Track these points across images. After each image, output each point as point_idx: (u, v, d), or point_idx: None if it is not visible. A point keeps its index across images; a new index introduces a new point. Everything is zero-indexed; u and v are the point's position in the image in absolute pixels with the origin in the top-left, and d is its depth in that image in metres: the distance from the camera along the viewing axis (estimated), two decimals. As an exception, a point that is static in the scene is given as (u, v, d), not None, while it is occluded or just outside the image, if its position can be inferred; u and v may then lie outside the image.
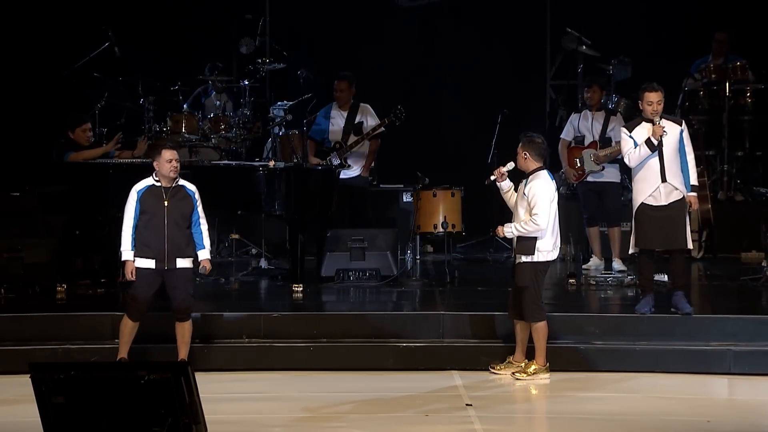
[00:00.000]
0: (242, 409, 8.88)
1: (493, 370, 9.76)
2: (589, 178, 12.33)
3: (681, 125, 10.09)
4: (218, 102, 13.64)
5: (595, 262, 12.54)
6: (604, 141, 12.25)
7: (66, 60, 13.40)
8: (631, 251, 10.28)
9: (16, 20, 14.42)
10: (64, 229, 11.59)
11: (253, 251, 13.84)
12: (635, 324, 10.22)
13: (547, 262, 9.63)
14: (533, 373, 9.57)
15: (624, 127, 10.16)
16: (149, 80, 12.93)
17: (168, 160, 9.44)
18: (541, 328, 9.57)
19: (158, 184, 9.48)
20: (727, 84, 13.77)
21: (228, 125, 12.64)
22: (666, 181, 9.90)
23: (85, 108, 12.40)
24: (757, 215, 12.97)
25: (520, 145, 9.64)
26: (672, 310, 10.08)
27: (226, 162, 12.21)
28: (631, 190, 12.24)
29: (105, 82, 12.77)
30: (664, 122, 9.97)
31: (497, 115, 13.70)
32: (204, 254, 9.61)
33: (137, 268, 9.42)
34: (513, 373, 9.64)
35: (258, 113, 13.10)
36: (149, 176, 9.52)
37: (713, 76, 13.93)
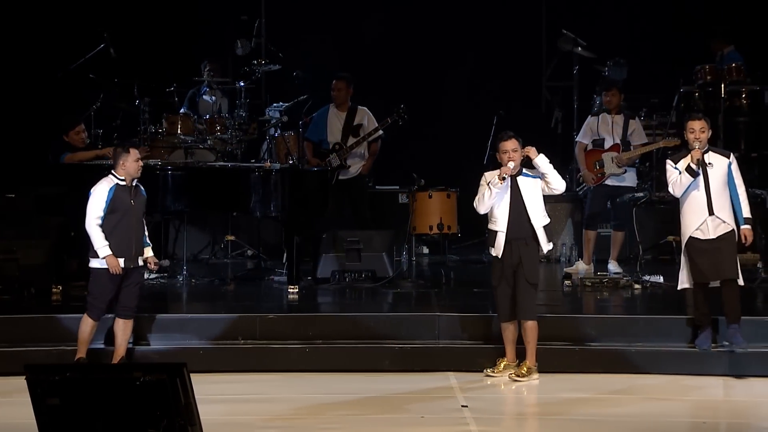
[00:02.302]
0: (238, 410, 8.88)
1: (488, 373, 9.74)
2: (608, 182, 12.27)
3: (729, 158, 9.83)
4: (213, 98, 13.62)
5: (581, 266, 12.42)
6: (625, 144, 12.25)
7: (62, 61, 13.39)
8: (680, 287, 9.92)
9: (11, 22, 14.40)
10: (59, 230, 11.58)
11: (249, 252, 13.84)
12: (631, 325, 10.24)
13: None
14: (529, 374, 9.57)
15: (669, 159, 9.90)
16: (145, 82, 12.91)
17: (136, 159, 9.55)
18: (536, 327, 9.58)
19: (123, 183, 9.54)
20: (723, 86, 13.77)
21: (224, 127, 12.62)
22: (713, 214, 9.66)
23: (80, 110, 12.40)
24: (752, 217, 12.94)
25: (518, 143, 9.58)
26: (725, 343, 9.75)
27: (222, 163, 12.20)
28: (640, 191, 12.31)
29: (101, 84, 12.76)
30: (712, 155, 9.74)
31: (493, 116, 13.70)
32: (149, 251, 9.73)
33: (106, 269, 9.46)
34: (511, 374, 9.62)
35: (254, 115, 13.09)
36: (108, 175, 9.55)
37: (708, 77, 13.94)
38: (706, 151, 9.78)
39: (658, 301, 11.35)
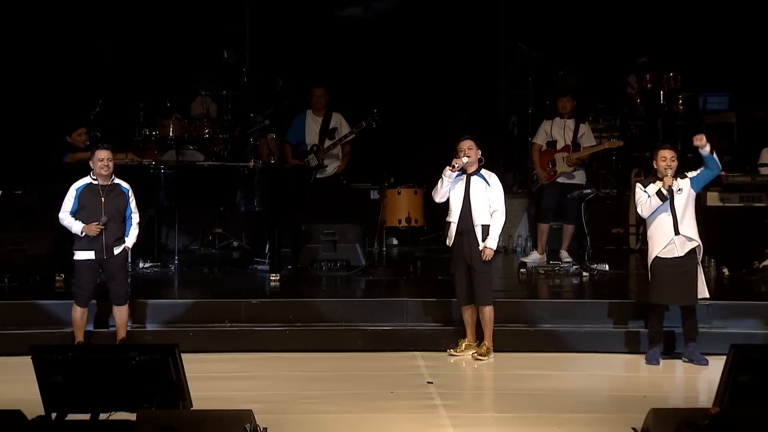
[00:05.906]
0: (225, 387, 8.87)
1: (451, 353, 9.78)
2: (560, 179, 12.33)
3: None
4: (203, 104, 13.61)
5: (535, 256, 12.46)
6: (575, 145, 12.31)
7: (62, 67, 13.34)
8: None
9: (15, 30, 14.35)
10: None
11: (235, 244, 13.83)
12: (579, 309, 10.28)
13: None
14: (488, 353, 9.62)
15: (639, 182, 9.74)
16: (140, 87, 12.89)
17: (100, 159, 9.51)
18: (492, 311, 9.63)
19: (96, 182, 9.55)
20: (662, 92, 13.87)
21: (212, 129, 12.61)
22: (679, 233, 9.42)
23: (82, 113, 12.37)
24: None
25: (474, 143, 9.59)
26: (684, 360, 9.55)
27: (210, 163, 12.18)
28: (588, 188, 12.37)
29: (100, 89, 12.72)
30: (680, 181, 9.47)
31: (456, 120, 13.72)
32: (126, 242, 9.64)
33: (80, 260, 9.50)
34: (473, 354, 9.66)
35: (239, 118, 13.07)
36: (87, 176, 9.59)
37: (649, 85, 14.04)
38: (675, 178, 9.52)
39: (604, 287, 11.42)
